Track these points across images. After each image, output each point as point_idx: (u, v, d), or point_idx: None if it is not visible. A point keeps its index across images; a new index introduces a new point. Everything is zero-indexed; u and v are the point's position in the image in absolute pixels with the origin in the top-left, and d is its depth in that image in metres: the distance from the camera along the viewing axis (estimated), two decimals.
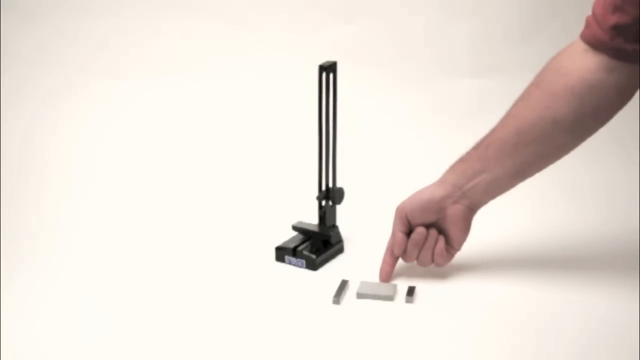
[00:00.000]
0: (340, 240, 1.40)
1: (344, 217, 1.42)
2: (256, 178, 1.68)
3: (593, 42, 1.18)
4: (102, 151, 1.75)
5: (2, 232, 1.45)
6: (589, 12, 1.20)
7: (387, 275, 1.30)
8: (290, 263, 1.37)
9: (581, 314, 1.21)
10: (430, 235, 1.28)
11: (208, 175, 1.69)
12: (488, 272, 1.31)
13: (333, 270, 1.35)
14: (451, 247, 1.29)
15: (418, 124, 1.84)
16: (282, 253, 1.37)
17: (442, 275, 1.31)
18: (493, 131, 1.26)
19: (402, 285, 1.28)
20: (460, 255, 1.31)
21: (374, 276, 1.31)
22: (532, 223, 1.47)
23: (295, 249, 1.36)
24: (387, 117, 1.87)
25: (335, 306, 1.24)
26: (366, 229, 1.47)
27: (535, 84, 1.24)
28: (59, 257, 1.39)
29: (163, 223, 1.51)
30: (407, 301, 1.25)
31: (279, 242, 1.39)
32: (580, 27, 1.22)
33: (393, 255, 1.30)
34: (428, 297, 1.26)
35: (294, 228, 1.40)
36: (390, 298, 1.25)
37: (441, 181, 1.27)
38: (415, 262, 1.31)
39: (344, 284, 1.29)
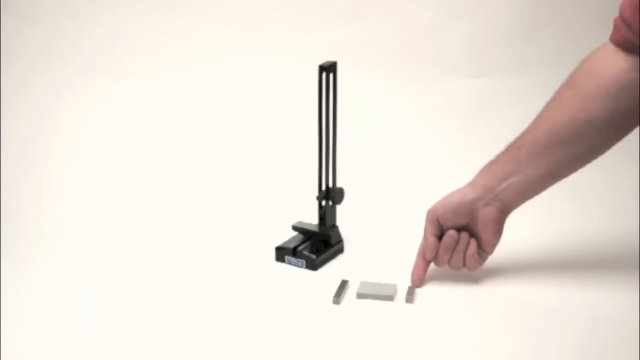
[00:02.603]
0: (340, 240, 1.40)
1: (344, 217, 1.42)
2: (256, 178, 1.68)
3: (624, 45, 1.18)
4: (102, 151, 1.74)
5: (2, 232, 1.45)
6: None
7: (420, 279, 1.29)
8: (290, 263, 1.37)
9: (582, 315, 1.21)
10: (461, 238, 1.27)
11: (208, 175, 1.69)
12: (488, 272, 1.31)
13: (333, 270, 1.35)
14: (483, 251, 1.28)
15: (418, 124, 1.84)
16: (282, 253, 1.37)
17: (442, 275, 1.31)
18: (525, 133, 1.25)
19: (402, 285, 1.28)
20: None
21: (374, 276, 1.30)
22: (532, 223, 1.47)
23: (295, 249, 1.36)
24: (388, 117, 1.86)
25: (335, 306, 1.24)
26: (366, 229, 1.47)
27: (567, 85, 1.23)
28: (60, 257, 1.39)
29: (163, 223, 1.51)
30: (407, 301, 1.25)
31: (279, 242, 1.39)
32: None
33: (425, 259, 1.29)
34: (428, 297, 1.26)
35: (294, 228, 1.40)
36: (390, 298, 1.25)
37: (472, 183, 1.27)
38: (447, 266, 1.29)
39: (344, 284, 1.28)
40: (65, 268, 1.35)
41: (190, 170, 1.71)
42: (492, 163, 1.26)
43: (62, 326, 1.19)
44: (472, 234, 1.27)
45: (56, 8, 1.84)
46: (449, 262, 1.28)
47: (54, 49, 1.83)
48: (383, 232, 1.47)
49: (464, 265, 1.28)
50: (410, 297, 1.25)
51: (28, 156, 1.70)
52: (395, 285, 1.28)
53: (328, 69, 1.32)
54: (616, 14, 1.19)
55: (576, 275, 1.30)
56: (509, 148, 1.26)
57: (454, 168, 1.67)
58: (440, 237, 1.28)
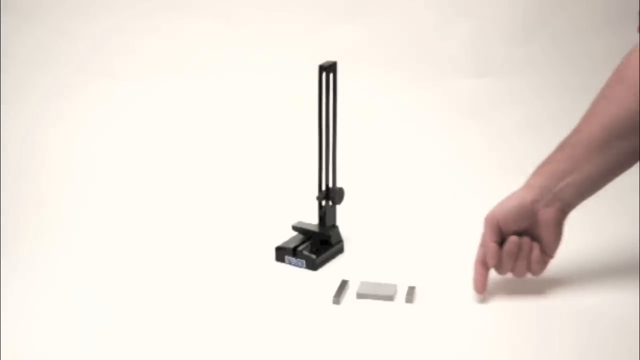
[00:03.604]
0: (340, 240, 1.40)
1: (344, 217, 1.41)
2: (256, 178, 1.68)
3: None
4: (102, 151, 1.74)
5: (2, 232, 1.45)
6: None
7: (483, 286, 1.24)
8: (290, 263, 1.36)
9: (582, 315, 1.20)
10: (524, 243, 1.23)
11: (208, 175, 1.69)
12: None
13: (333, 270, 1.35)
14: (545, 255, 1.24)
15: (419, 124, 1.84)
16: (282, 253, 1.37)
17: (442, 275, 1.30)
18: (576, 131, 1.23)
19: (402, 285, 1.28)
20: (461, 256, 1.31)
21: (374, 276, 1.30)
22: None
23: (295, 249, 1.36)
24: (388, 116, 1.86)
25: (335, 306, 1.24)
26: (366, 229, 1.46)
27: (616, 80, 1.21)
28: (59, 257, 1.39)
29: (163, 223, 1.51)
30: (407, 301, 1.25)
31: (279, 242, 1.38)
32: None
33: (485, 266, 1.24)
34: (428, 297, 1.26)
35: (294, 228, 1.40)
36: (390, 298, 1.25)
37: (527, 185, 1.23)
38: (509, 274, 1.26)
39: (344, 284, 1.28)
40: (65, 268, 1.35)
41: (190, 170, 1.71)
42: (546, 164, 1.23)
43: (62, 326, 1.19)
44: (533, 238, 1.23)
45: (56, 8, 1.84)
46: (511, 269, 1.24)
47: (53, 49, 1.83)
48: (383, 232, 1.46)
49: (529, 270, 1.24)
50: (410, 297, 1.25)
51: (28, 156, 1.70)
52: (395, 285, 1.27)
53: (328, 69, 1.32)
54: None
55: (576, 275, 1.30)
56: (562, 147, 1.23)
57: (455, 168, 1.67)
58: (500, 243, 1.23)
